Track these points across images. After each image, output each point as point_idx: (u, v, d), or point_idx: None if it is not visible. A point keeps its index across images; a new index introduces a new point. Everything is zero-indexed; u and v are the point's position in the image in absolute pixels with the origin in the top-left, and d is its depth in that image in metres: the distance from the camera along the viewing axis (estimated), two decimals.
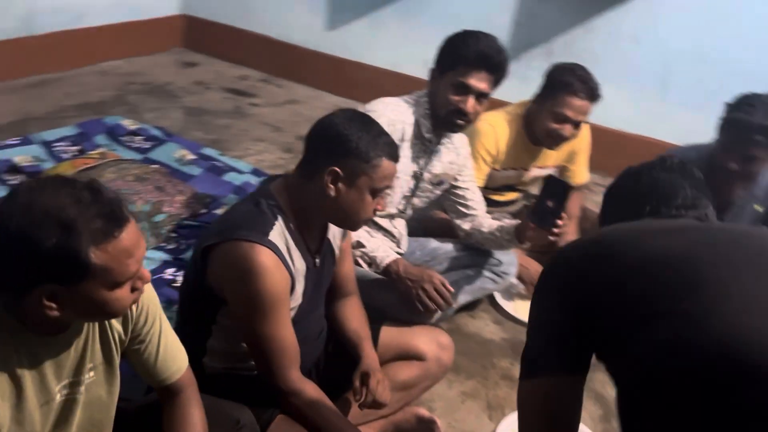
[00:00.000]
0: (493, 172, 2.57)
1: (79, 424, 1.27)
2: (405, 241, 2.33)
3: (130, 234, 1.07)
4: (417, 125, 2.10)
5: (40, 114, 3.75)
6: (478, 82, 1.99)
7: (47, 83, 4.20)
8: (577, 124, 2.40)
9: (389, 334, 1.88)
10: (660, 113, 3.71)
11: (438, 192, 2.29)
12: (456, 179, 2.28)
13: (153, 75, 4.65)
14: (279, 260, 1.47)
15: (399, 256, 2.03)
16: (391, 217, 2.24)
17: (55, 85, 4.20)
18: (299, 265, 1.57)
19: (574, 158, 2.74)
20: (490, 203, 2.75)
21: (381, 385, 1.64)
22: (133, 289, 1.14)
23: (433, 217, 2.60)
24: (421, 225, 2.62)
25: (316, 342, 1.76)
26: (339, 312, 1.82)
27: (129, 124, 3.51)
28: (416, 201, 2.26)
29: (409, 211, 2.28)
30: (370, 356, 1.73)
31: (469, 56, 1.98)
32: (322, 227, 1.66)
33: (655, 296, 0.95)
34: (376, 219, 2.20)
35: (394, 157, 1.56)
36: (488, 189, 2.69)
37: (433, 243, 2.41)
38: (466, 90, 2.00)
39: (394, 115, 2.05)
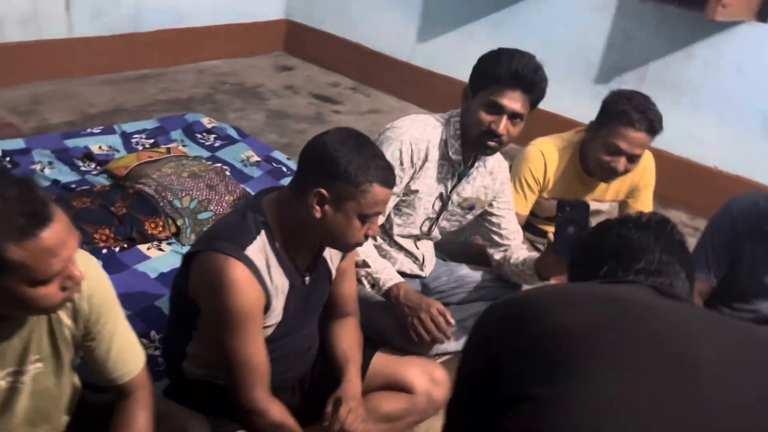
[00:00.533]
0: (541, 200, 2.41)
1: (25, 412, 1.30)
2: (430, 264, 2.23)
3: (53, 234, 1.07)
4: (444, 145, 1.99)
5: (131, 106, 3.96)
6: (511, 101, 1.86)
7: (146, 78, 4.44)
8: (632, 158, 2.19)
9: (382, 360, 1.79)
10: (762, 152, 3.35)
11: (470, 217, 2.17)
12: (491, 205, 2.16)
13: (247, 76, 4.80)
14: (252, 276, 1.44)
15: (402, 280, 1.93)
16: (416, 238, 2.15)
17: (153, 80, 4.43)
18: (279, 282, 1.52)
19: (637, 194, 2.50)
20: (539, 233, 2.59)
21: (352, 415, 1.56)
22: (64, 288, 1.14)
23: (473, 243, 2.48)
24: (463, 250, 2.51)
25: (302, 359, 1.71)
26: (332, 332, 1.76)
27: (207, 122, 3.62)
28: (445, 224, 2.16)
29: (436, 234, 2.17)
30: (351, 381, 1.65)
31: (502, 74, 1.85)
32: (314, 245, 1.60)
33: (530, 373, 0.83)
34: (399, 240, 2.12)
35: (388, 182, 1.47)
36: (537, 218, 2.54)
37: (464, 270, 2.28)
38: (498, 110, 1.88)
39: (419, 134, 1.96)
